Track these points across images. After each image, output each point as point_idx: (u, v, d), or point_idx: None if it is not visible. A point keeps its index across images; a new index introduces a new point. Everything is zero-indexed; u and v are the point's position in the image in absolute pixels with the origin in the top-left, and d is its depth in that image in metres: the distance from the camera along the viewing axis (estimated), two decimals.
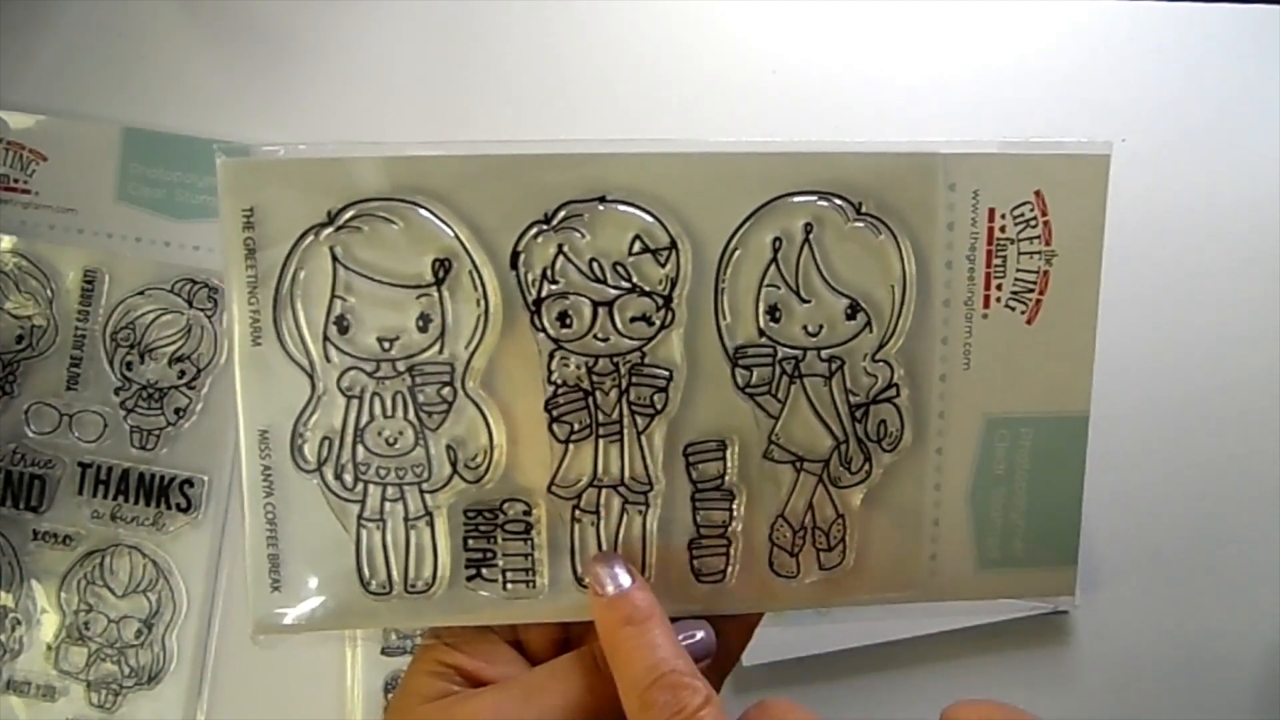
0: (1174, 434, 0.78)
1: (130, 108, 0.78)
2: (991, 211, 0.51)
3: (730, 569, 0.52)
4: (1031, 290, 0.51)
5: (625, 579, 0.50)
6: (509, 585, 0.52)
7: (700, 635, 0.52)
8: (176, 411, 0.76)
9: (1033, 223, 0.51)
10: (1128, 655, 0.76)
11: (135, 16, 0.79)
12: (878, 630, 0.74)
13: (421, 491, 0.51)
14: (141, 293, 0.76)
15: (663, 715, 0.44)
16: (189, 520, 0.75)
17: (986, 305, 0.52)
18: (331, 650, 0.75)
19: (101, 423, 0.76)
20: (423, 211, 0.49)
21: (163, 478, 0.76)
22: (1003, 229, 0.51)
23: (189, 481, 0.76)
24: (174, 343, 0.76)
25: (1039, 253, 0.51)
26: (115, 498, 0.75)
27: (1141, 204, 0.78)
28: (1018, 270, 0.51)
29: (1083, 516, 0.71)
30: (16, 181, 0.76)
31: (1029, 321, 0.52)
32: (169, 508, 0.76)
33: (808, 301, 0.51)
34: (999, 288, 0.51)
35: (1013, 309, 0.52)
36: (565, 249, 0.50)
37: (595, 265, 0.50)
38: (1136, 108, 0.80)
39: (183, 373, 0.76)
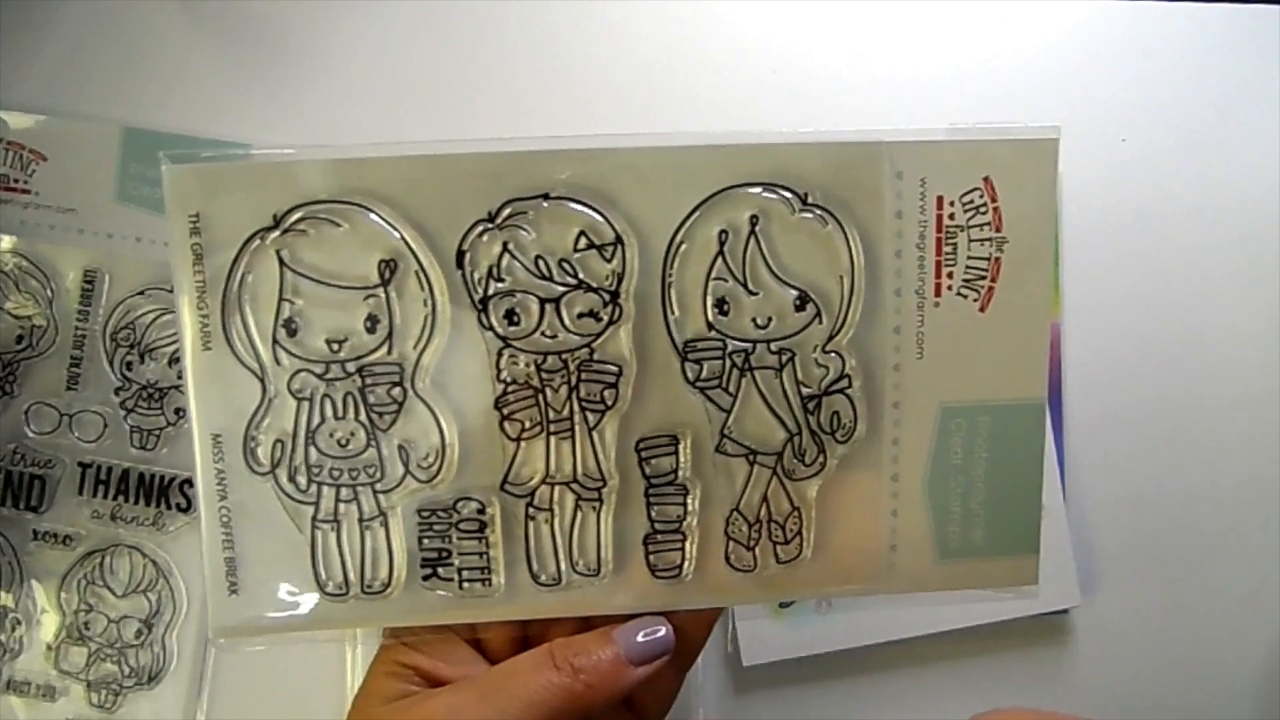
0: (1173, 433, 0.77)
1: (130, 108, 0.79)
2: (940, 199, 0.50)
3: (687, 564, 0.52)
4: (983, 278, 0.51)
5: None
6: (465, 585, 0.52)
7: (662, 632, 0.52)
8: (177, 411, 0.76)
9: (982, 209, 0.50)
10: (1128, 655, 0.75)
11: (135, 16, 0.79)
12: (878, 630, 0.74)
13: (375, 492, 0.51)
14: (141, 293, 0.76)
15: None
16: (189, 520, 0.76)
17: (938, 294, 0.51)
18: (331, 650, 0.75)
19: (101, 423, 0.76)
20: (367, 213, 0.49)
21: (163, 478, 0.76)
22: (952, 216, 0.50)
23: (189, 481, 0.76)
24: (174, 343, 0.77)
25: (989, 239, 0.51)
26: (115, 498, 0.76)
27: (1141, 203, 0.77)
28: (968, 258, 0.51)
29: (1083, 517, 0.71)
30: (16, 181, 0.77)
31: (982, 309, 0.51)
32: (169, 508, 0.76)
33: (756, 294, 0.50)
34: (950, 276, 0.51)
35: (965, 297, 0.51)
36: (511, 247, 0.50)
37: (541, 262, 0.50)
38: (1136, 108, 0.79)
39: (182, 373, 0.77)
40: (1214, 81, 0.79)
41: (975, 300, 0.51)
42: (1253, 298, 0.77)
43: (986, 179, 0.50)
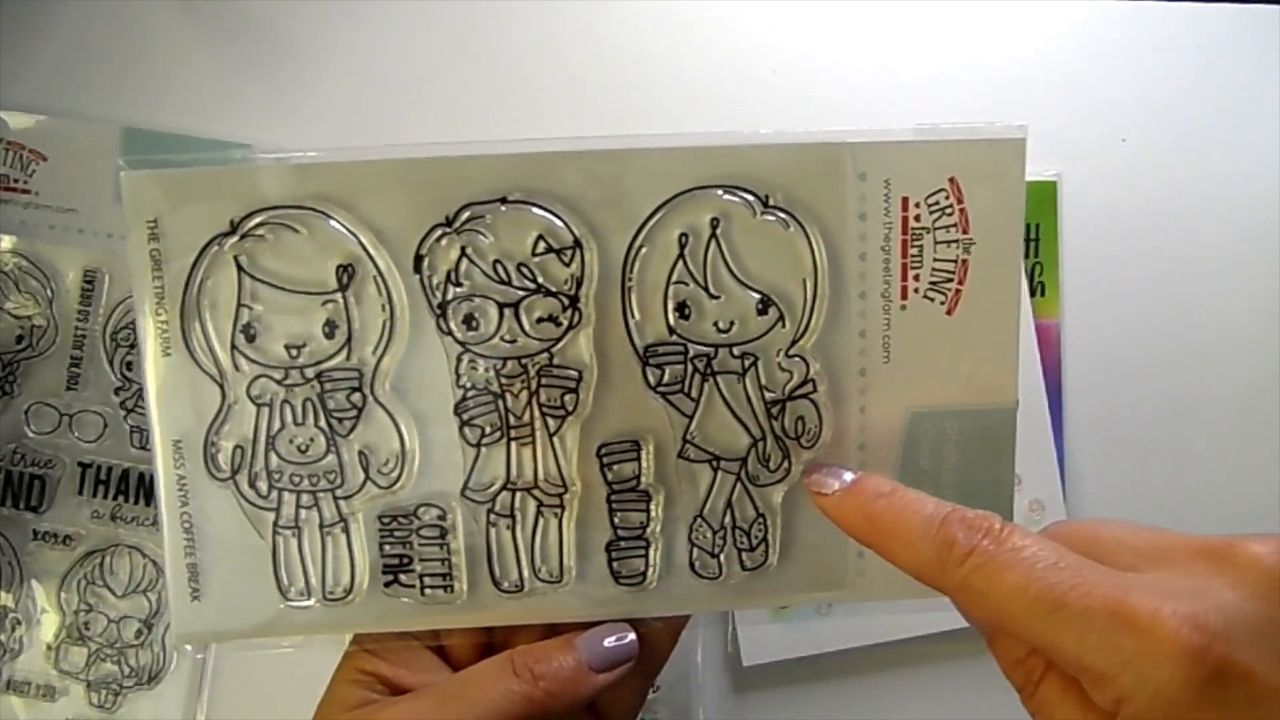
0: (1173, 433, 0.76)
1: (130, 108, 0.79)
2: (905, 200, 0.49)
3: (650, 571, 0.52)
4: (950, 280, 0.50)
5: (848, 473, 0.48)
6: (427, 591, 0.51)
7: (626, 639, 0.51)
8: None
9: (948, 211, 0.49)
10: None
11: (135, 16, 0.80)
12: (878, 630, 0.73)
13: (335, 498, 0.51)
14: None
15: (970, 543, 0.41)
16: None
17: (904, 297, 0.50)
18: (331, 651, 0.75)
19: (101, 423, 0.76)
20: (325, 218, 0.49)
21: None
22: (917, 218, 0.49)
23: None
24: None
25: (956, 241, 0.50)
26: (115, 498, 0.76)
27: (1141, 203, 0.77)
28: (935, 260, 0.50)
29: (1083, 517, 0.70)
30: (16, 181, 0.77)
31: (949, 312, 0.50)
32: None
33: (717, 298, 0.50)
34: (916, 278, 0.50)
35: (931, 300, 0.50)
36: (469, 251, 0.49)
37: (499, 267, 0.49)
38: (1136, 108, 0.78)
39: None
40: (1214, 81, 0.78)
41: (942, 303, 0.50)
42: (1253, 297, 0.76)
43: (952, 179, 0.49)
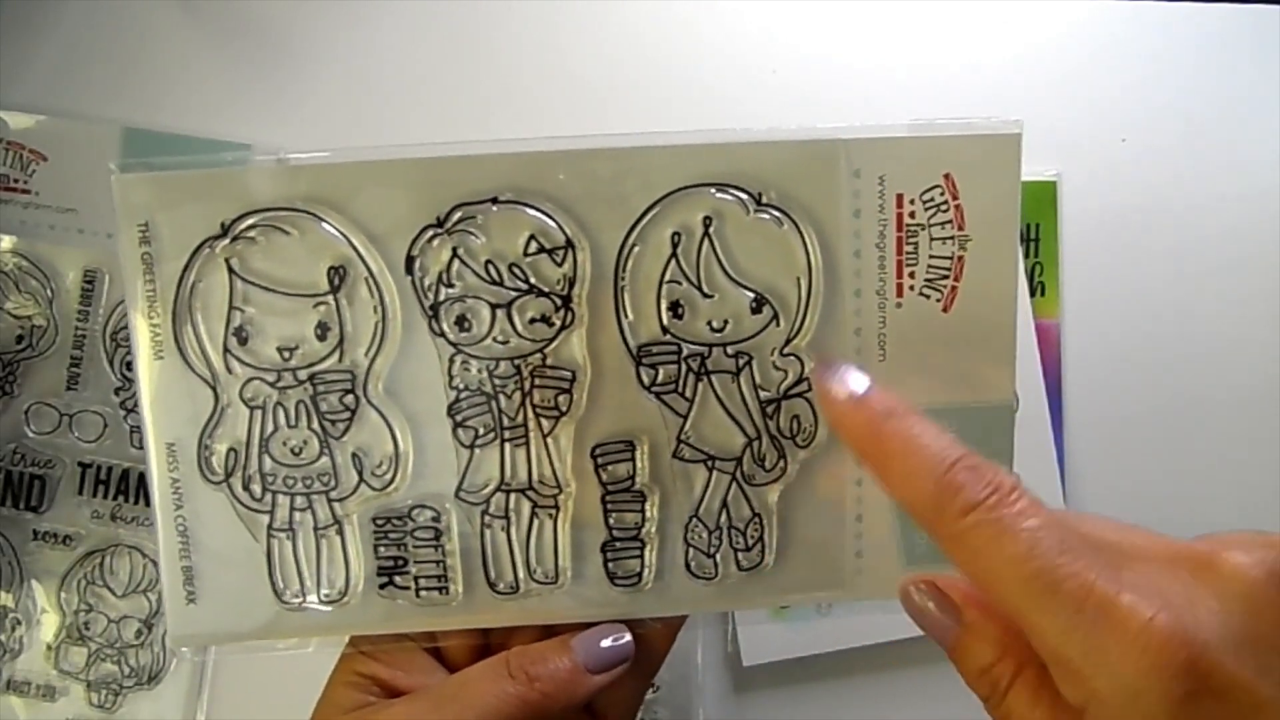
0: (1173, 433, 0.76)
1: (130, 108, 0.79)
2: (900, 197, 0.49)
3: (646, 571, 0.51)
4: (946, 277, 0.50)
5: (863, 378, 0.46)
6: (422, 593, 0.51)
7: (622, 640, 0.51)
8: None
9: (943, 207, 0.49)
10: None
11: (135, 16, 0.80)
12: (878, 630, 0.73)
13: (329, 500, 0.51)
14: None
15: (975, 497, 0.40)
16: None
17: (900, 294, 0.50)
18: (329, 652, 0.75)
19: (101, 423, 0.76)
20: (317, 220, 0.49)
21: None
22: (912, 215, 0.49)
23: None
24: None
25: (951, 238, 0.49)
26: (115, 498, 0.76)
27: (1141, 203, 0.77)
28: (930, 257, 0.49)
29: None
30: (16, 181, 0.77)
31: (945, 309, 0.50)
32: None
33: (710, 296, 0.49)
34: (912, 275, 0.50)
35: (927, 297, 0.50)
36: (460, 252, 0.49)
37: (491, 267, 0.49)
38: (1136, 108, 0.78)
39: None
40: (1214, 81, 0.78)
41: (938, 300, 0.50)
42: (1252, 297, 0.76)
43: (947, 175, 0.49)
